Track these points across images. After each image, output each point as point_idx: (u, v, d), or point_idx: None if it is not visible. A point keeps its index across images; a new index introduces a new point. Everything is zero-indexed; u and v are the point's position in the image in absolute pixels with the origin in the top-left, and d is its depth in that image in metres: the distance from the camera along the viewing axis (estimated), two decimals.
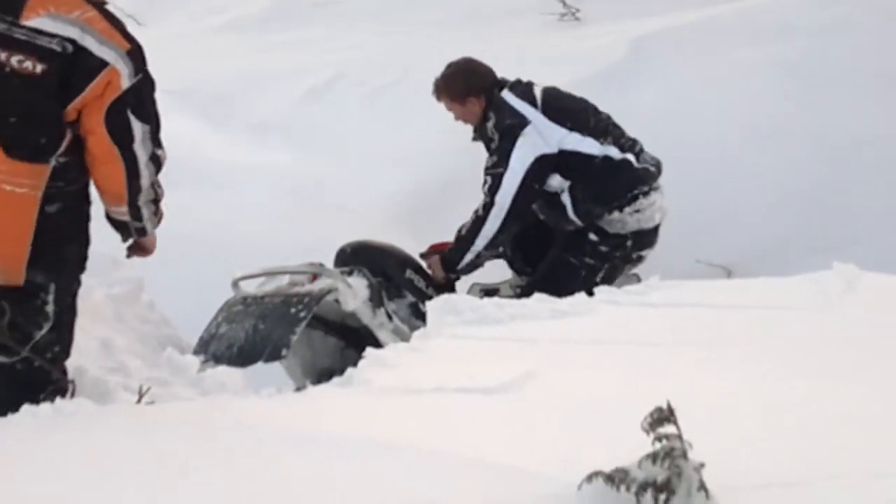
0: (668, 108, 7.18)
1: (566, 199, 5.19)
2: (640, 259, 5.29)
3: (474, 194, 6.13)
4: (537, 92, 5.28)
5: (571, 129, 5.16)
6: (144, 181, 3.70)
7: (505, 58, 8.44)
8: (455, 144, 7.30)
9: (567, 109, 5.24)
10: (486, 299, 4.32)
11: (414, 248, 5.55)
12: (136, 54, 3.57)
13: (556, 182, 5.18)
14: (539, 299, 4.22)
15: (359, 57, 9.01)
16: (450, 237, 5.62)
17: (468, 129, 7.09)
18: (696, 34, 8.17)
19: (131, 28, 3.75)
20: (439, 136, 7.38)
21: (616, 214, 5.14)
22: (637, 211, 5.14)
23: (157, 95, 3.77)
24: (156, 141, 3.68)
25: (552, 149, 5.12)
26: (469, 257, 5.25)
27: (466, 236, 5.24)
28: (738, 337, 3.56)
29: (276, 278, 5.12)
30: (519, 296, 4.94)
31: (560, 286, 4.67)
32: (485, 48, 8.85)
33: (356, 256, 5.26)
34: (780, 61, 7.66)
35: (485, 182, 5.21)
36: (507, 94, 5.27)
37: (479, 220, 5.20)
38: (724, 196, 6.68)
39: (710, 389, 2.91)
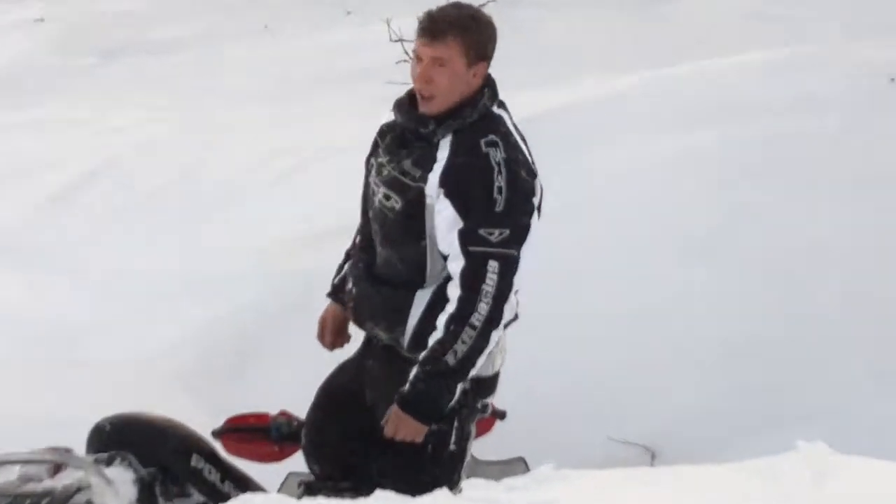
0: (564, 215, 7.24)
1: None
2: (484, 409, 5.23)
3: (294, 342, 6.10)
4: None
5: None
6: None
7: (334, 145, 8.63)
8: (265, 270, 7.40)
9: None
10: (307, 499, 4.29)
11: (204, 423, 5.47)
12: None
13: None
14: (383, 499, 4.17)
15: (123, 145, 9.18)
16: (258, 406, 5.56)
17: (284, 248, 7.08)
18: (604, 113, 8.40)
19: None
20: (241, 259, 7.37)
21: None
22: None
23: None
24: None
25: None
26: (460, 389, 4.87)
27: (460, 366, 4.81)
28: None
29: (3, 469, 4.94)
30: (342, 491, 4.79)
31: (405, 475, 4.63)
32: (305, 133, 9.08)
33: (119, 437, 5.16)
34: (717, 152, 7.88)
35: (479, 265, 4.77)
36: (505, 117, 4.96)
37: (481, 339, 4.78)
38: (642, 348, 6.66)
39: None
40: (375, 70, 9.74)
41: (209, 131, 9.34)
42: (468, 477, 4.81)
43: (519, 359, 5.26)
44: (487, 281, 4.73)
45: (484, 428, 5.33)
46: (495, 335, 4.80)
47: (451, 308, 4.75)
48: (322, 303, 5.39)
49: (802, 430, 4.48)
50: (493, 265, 4.72)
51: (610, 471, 4.70)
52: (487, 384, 5.10)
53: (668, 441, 6.13)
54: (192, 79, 10.63)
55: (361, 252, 5.17)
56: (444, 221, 4.77)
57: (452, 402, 4.86)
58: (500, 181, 4.75)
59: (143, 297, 7.54)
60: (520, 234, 4.79)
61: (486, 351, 4.80)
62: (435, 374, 4.79)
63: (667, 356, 6.73)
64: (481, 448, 5.39)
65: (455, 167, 4.77)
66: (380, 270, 5.05)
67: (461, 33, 4.81)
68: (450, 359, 4.75)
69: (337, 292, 5.32)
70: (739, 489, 3.92)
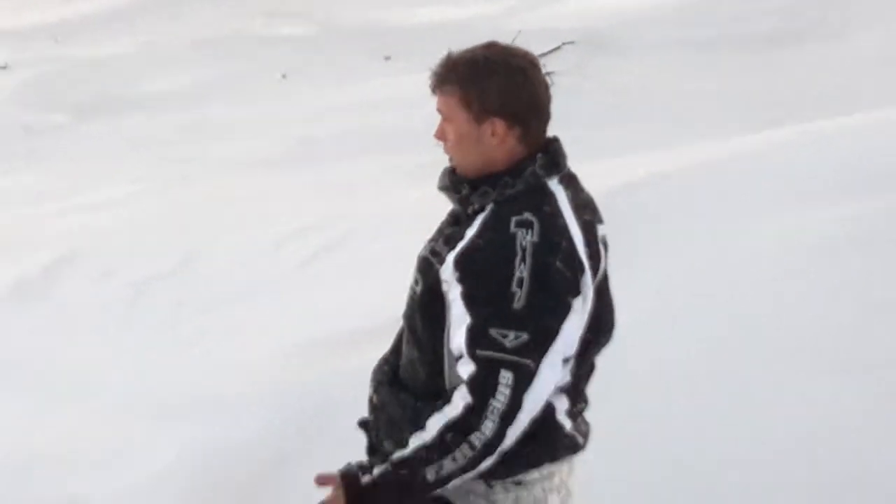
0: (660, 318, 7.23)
1: None
2: None
3: (314, 468, 6.12)
4: (598, 243, 5.01)
5: (581, 350, 4.93)
6: None
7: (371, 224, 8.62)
8: (286, 382, 7.49)
9: (604, 306, 5.05)
10: None
11: None
12: None
13: None
14: None
15: (103, 226, 9.31)
16: None
17: (304, 356, 7.10)
18: (726, 180, 8.36)
19: None
20: (257, 368, 7.38)
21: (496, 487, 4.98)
22: (519, 484, 5.05)
23: None
24: None
25: None
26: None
27: (436, 483, 4.82)
28: None
29: None
30: None
31: None
32: (332, 209, 9.08)
33: None
34: (860, 229, 7.81)
35: (483, 373, 4.71)
36: (561, 193, 4.90)
37: (473, 460, 4.75)
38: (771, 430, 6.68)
39: None
40: (420, 128, 9.73)
41: (209, 208, 9.32)
42: None
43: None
44: (497, 395, 4.68)
45: None
46: (488, 462, 4.74)
47: (452, 413, 4.71)
48: (347, 428, 5.38)
49: None
50: (505, 376, 4.66)
51: None
52: None
53: None
54: (188, 141, 10.63)
55: (392, 353, 5.20)
56: (456, 312, 4.75)
57: None
58: (521, 271, 4.67)
59: (126, 418, 7.59)
60: (543, 341, 4.72)
61: (468, 476, 4.77)
62: (404, 483, 4.82)
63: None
64: None
65: (472, 247, 4.72)
66: (402, 374, 5.09)
67: (458, 81, 4.81)
68: (430, 474, 4.77)
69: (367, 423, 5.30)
70: None
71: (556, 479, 5.04)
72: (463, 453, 4.69)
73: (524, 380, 4.64)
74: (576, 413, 5.00)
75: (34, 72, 12.32)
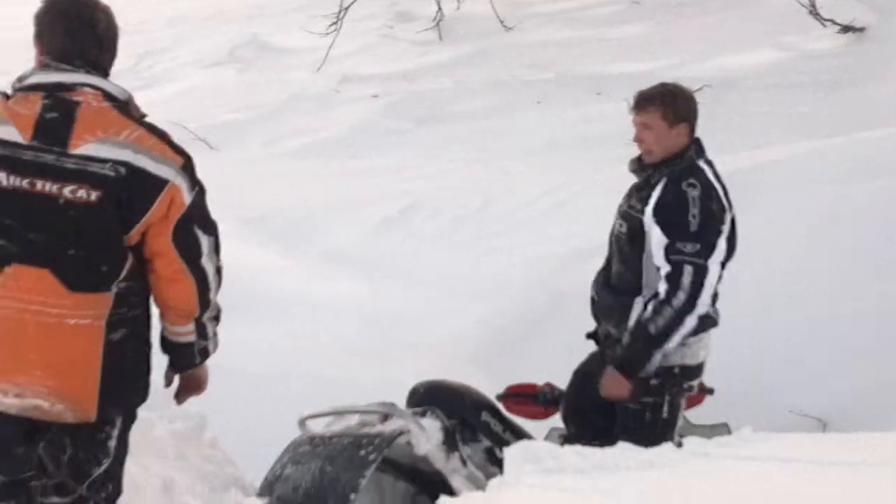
0: (772, 239, 6.98)
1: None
2: (690, 389, 5.08)
3: (556, 332, 6.08)
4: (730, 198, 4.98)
5: (725, 260, 4.90)
6: (213, 294, 3.71)
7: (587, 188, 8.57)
8: (535, 278, 7.39)
9: (733, 237, 4.95)
10: (567, 447, 4.20)
11: (490, 389, 5.50)
12: (189, 166, 3.56)
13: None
14: (623, 448, 4.09)
15: (434, 186, 9.22)
16: (529, 378, 5.57)
17: (550, 263, 7.04)
18: (805, 166, 8.08)
19: (198, 150, 3.76)
20: (519, 270, 7.39)
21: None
22: (683, 345, 4.97)
23: (232, 224, 3.77)
24: (218, 252, 3.68)
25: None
26: (658, 358, 4.84)
27: (659, 335, 4.80)
28: (834, 498, 3.45)
29: (345, 418, 5.06)
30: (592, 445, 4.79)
31: (634, 435, 4.54)
32: (566, 179, 9.05)
33: (430, 397, 5.20)
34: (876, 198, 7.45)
35: (677, 269, 4.75)
36: (709, 171, 4.91)
37: (677, 316, 4.77)
38: (822, 340, 6.44)
39: None
40: (618, 135, 9.68)
41: (497, 178, 9.35)
42: (684, 436, 4.72)
43: (723, 349, 5.22)
44: (683, 281, 4.71)
45: (696, 401, 5.29)
46: (689, 321, 4.75)
47: (659, 296, 4.75)
48: (575, 313, 5.41)
49: None
50: (688, 269, 4.70)
51: (793, 434, 4.65)
52: (693, 370, 5.05)
53: (837, 415, 5.89)
54: (484, 140, 10.62)
55: (603, 270, 5.18)
56: (656, 241, 4.79)
57: (651, 369, 4.83)
58: (694, 210, 4.73)
59: (446, 296, 7.58)
60: (709, 249, 4.73)
61: (681, 331, 4.77)
62: (639, 338, 4.80)
63: (842, 344, 6.46)
64: (697, 415, 5.36)
65: (662, 202, 4.79)
66: (613, 281, 5.07)
67: (660, 103, 4.84)
68: (651, 328, 4.76)
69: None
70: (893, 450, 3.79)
71: (706, 341, 5.03)
72: (668, 314, 4.73)
73: (699, 271, 4.70)
74: (714, 301, 4.95)
75: (393, 98, 12.27)
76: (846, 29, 8.76)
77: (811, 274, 6.81)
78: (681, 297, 4.75)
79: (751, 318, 6.02)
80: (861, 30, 8.93)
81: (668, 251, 4.77)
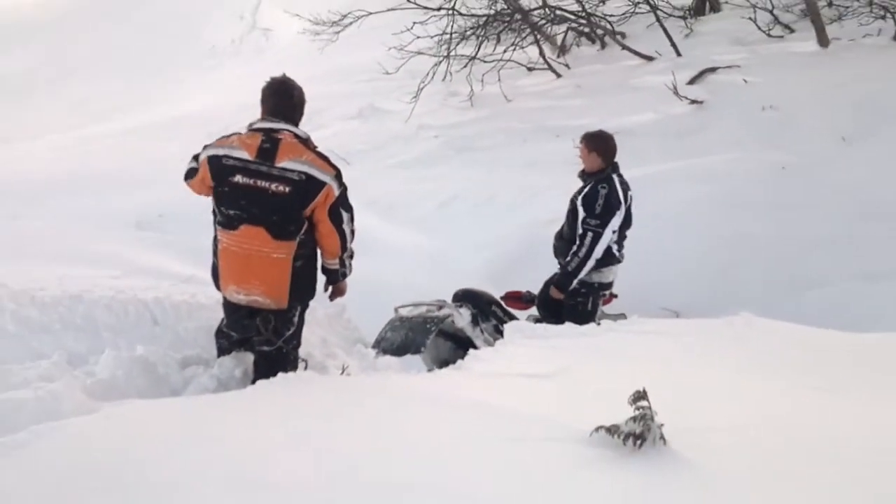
0: (656, 212, 6.48)
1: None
2: (604, 294, 4.96)
3: (535, 264, 5.93)
4: (628, 195, 4.84)
5: (619, 229, 4.82)
6: (349, 243, 3.73)
7: (552, 187, 8.01)
8: (524, 234, 7.14)
9: (628, 216, 4.87)
10: (538, 325, 4.24)
11: (496, 293, 5.42)
12: (338, 174, 3.52)
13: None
14: (568, 326, 4.10)
15: (465, 187, 8.87)
16: (519, 287, 5.47)
17: (532, 227, 6.87)
18: (670, 175, 7.78)
19: (342, 165, 3.82)
20: (514, 230, 7.34)
21: (592, 274, 4.89)
22: (600, 272, 4.88)
23: (359, 204, 3.79)
24: (353, 221, 3.69)
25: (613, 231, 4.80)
26: (574, 283, 4.81)
27: (574, 270, 4.75)
28: (687, 354, 3.48)
29: (419, 307, 5.06)
30: (550, 322, 4.65)
31: (574, 319, 4.49)
32: (540, 182, 8.68)
33: (464, 297, 5.17)
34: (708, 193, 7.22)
35: (585, 234, 4.63)
36: (616, 180, 4.72)
37: (583, 260, 4.70)
38: (676, 264, 6.24)
39: (671, 382, 2.84)
40: (570, 159, 8.79)
41: (500, 182, 8.81)
42: (601, 320, 4.64)
43: (624, 271, 5.09)
44: (586, 241, 4.66)
45: (608, 301, 5.19)
46: (588, 263, 4.66)
47: (574, 248, 4.68)
48: (544, 250, 5.21)
49: (747, 307, 4.12)
50: (589, 235, 4.65)
51: (660, 319, 4.55)
52: (606, 285, 4.95)
53: (685, 308, 5.70)
54: (493, 162, 9.60)
55: (559, 230, 5.02)
56: (580, 217, 4.70)
57: (573, 285, 4.70)
58: (600, 201, 4.64)
59: (472, 245, 7.30)
60: (604, 224, 4.62)
61: (585, 268, 4.65)
62: (563, 271, 4.75)
63: (689, 266, 6.19)
64: (608, 308, 5.23)
65: (585, 195, 4.68)
66: (564, 236, 4.94)
67: (586, 141, 4.72)
68: (569, 267, 4.71)
69: None
70: (716, 328, 3.74)
71: (616, 269, 4.94)
72: (576, 261, 4.68)
73: (596, 237, 4.64)
74: (619, 248, 4.90)
75: (445, 138, 10.78)
76: (693, 102, 8.69)
77: (675, 229, 6.62)
78: (583, 250, 4.70)
79: (642, 255, 5.82)
80: (701, 102, 8.84)
81: (583, 223, 4.73)
